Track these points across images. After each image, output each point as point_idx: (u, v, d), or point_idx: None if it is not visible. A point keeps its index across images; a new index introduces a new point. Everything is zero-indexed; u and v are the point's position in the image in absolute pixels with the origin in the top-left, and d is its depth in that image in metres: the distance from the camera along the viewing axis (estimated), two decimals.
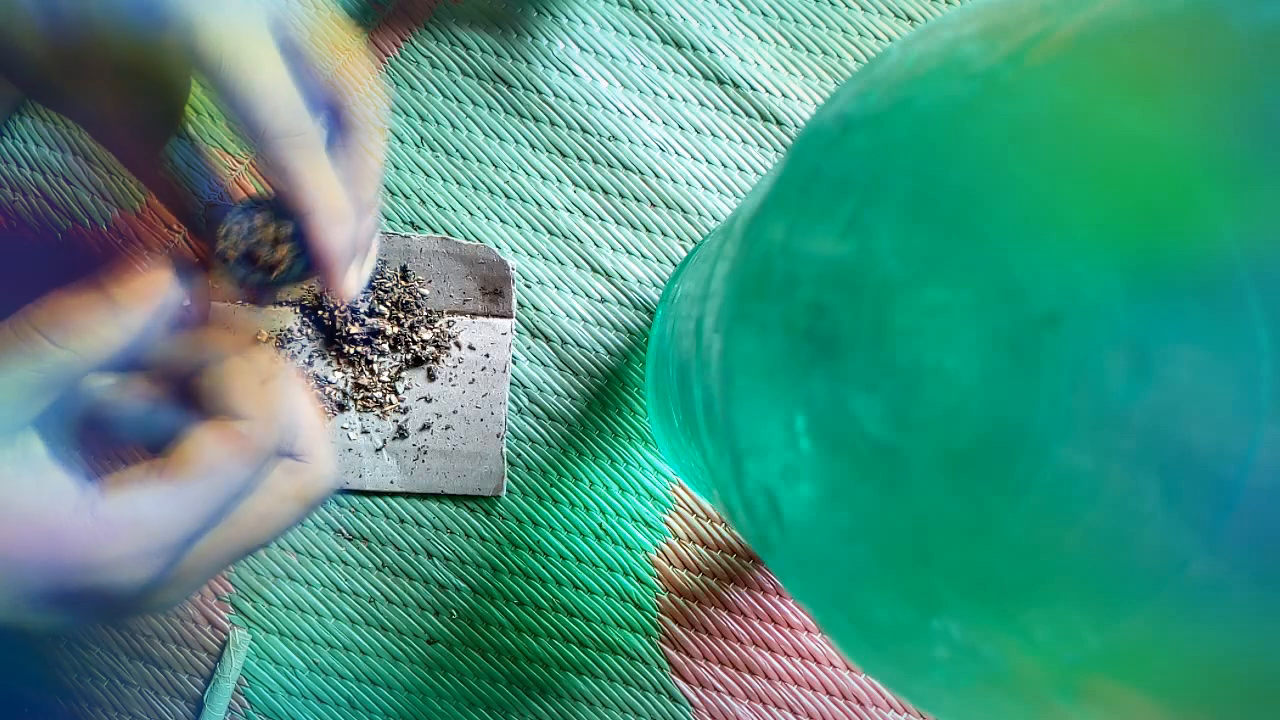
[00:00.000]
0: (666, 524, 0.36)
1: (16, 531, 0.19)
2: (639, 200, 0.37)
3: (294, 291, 0.35)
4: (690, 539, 0.36)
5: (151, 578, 0.21)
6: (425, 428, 0.36)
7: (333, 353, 0.36)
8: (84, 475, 0.21)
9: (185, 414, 0.23)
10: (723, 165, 0.37)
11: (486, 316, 0.36)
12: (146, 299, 0.21)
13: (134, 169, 0.26)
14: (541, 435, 0.36)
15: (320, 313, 0.35)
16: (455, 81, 0.37)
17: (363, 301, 0.35)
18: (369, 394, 0.35)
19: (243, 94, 0.21)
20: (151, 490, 0.20)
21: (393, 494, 0.36)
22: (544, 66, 0.37)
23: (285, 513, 0.23)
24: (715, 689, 0.35)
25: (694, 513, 0.36)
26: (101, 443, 0.23)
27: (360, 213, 0.25)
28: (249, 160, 0.36)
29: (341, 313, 0.35)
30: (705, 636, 0.36)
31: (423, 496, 0.36)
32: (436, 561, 0.36)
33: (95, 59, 0.22)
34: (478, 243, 0.36)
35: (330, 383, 0.35)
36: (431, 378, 0.36)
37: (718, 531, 0.36)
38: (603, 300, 0.37)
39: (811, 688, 0.35)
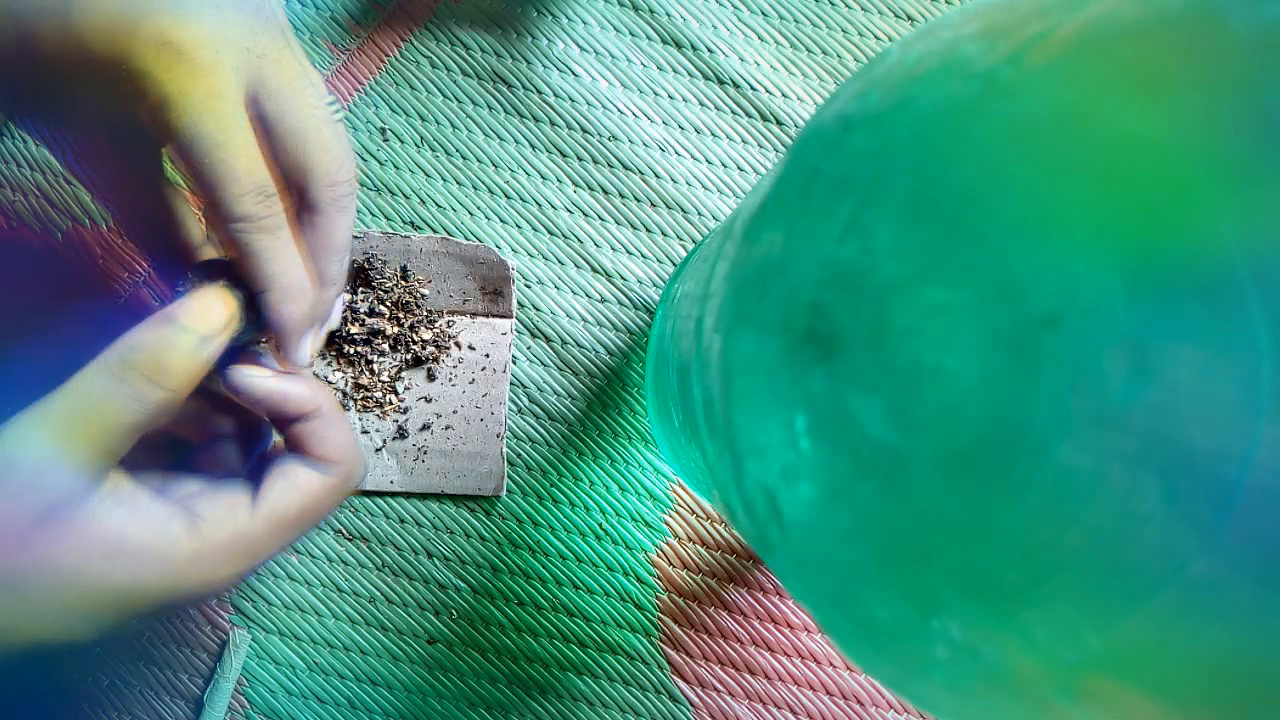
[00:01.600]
0: (666, 524, 0.36)
1: (134, 564, 0.21)
2: (639, 200, 0.37)
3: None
4: (690, 539, 0.36)
5: (227, 584, 0.23)
6: (425, 428, 0.36)
7: (333, 353, 0.36)
8: (174, 499, 0.23)
9: (268, 444, 0.25)
10: (723, 165, 0.37)
11: (486, 316, 0.36)
12: (220, 318, 0.23)
13: (118, 183, 0.25)
14: (541, 435, 0.36)
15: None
16: (455, 81, 0.37)
17: (363, 301, 0.35)
18: (369, 394, 0.35)
19: (209, 177, 0.22)
20: (254, 521, 0.23)
21: (393, 494, 0.36)
22: (544, 66, 0.37)
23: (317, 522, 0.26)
24: (715, 689, 0.35)
25: (694, 513, 0.36)
26: (181, 461, 0.25)
27: (323, 285, 0.25)
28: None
29: (341, 313, 0.35)
30: (705, 636, 0.36)
31: (423, 496, 0.36)
32: (436, 561, 0.36)
33: (68, 66, 0.21)
34: (478, 243, 0.36)
35: (330, 383, 0.35)
36: (431, 378, 0.36)
37: (718, 531, 0.36)
38: (603, 300, 0.37)
39: (811, 688, 0.35)
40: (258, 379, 0.24)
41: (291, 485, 0.24)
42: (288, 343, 0.25)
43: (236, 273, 0.24)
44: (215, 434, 0.26)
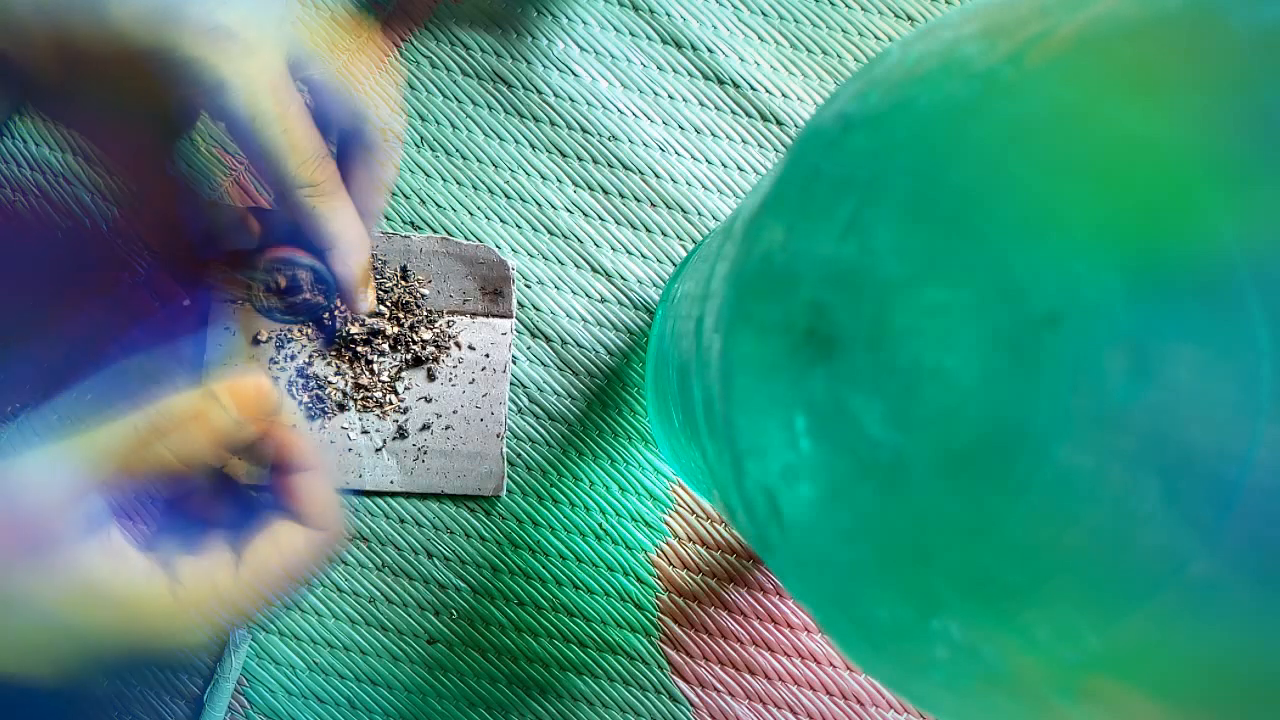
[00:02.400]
0: (666, 524, 0.36)
1: (111, 613, 0.21)
2: (639, 200, 0.37)
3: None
4: (690, 539, 0.36)
5: (207, 638, 0.23)
6: (425, 428, 0.36)
7: (333, 353, 0.36)
8: (157, 556, 0.23)
9: (254, 504, 0.26)
10: (723, 165, 0.37)
11: (486, 316, 0.36)
12: (258, 416, 0.23)
13: (136, 174, 0.26)
14: (541, 435, 0.36)
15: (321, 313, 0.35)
16: (455, 81, 0.37)
17: None
18: (369, 394, 0.35)
19: (271, 151, 0.23)
20: (237, 580, 0.23)
21: (393, 494, 0.36)
22: (544, 66, 0.37)
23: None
24: (715, 689, 0.35)
25: (694, 513, 0.36)
26: (178, 523, 0.25)
27: (367, 219, 0.27)
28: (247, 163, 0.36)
29: (341, 313, 0.35)
30: (705, 636, 0.36)
31: (423, 496, 0.36)
32: (436, 561, 0.36)
33: (103, 62, 0.22)
34: (478, 243, 0.36)
35: (330, 383, 0.35)
36: (431, 378, 0.36)
37: (718, 531, 0.36)
38: (603, 300, 0.37)
39: (811, 688, 0.35)
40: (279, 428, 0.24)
41: (275, 545, 0.24)
42: (353, 295, 0.27)
43: (298, 251, 0.25)
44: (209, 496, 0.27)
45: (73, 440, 0.21)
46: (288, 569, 0.24)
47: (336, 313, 0.35)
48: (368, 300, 0.28)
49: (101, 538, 0.21)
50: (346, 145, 0.26)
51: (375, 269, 0.35)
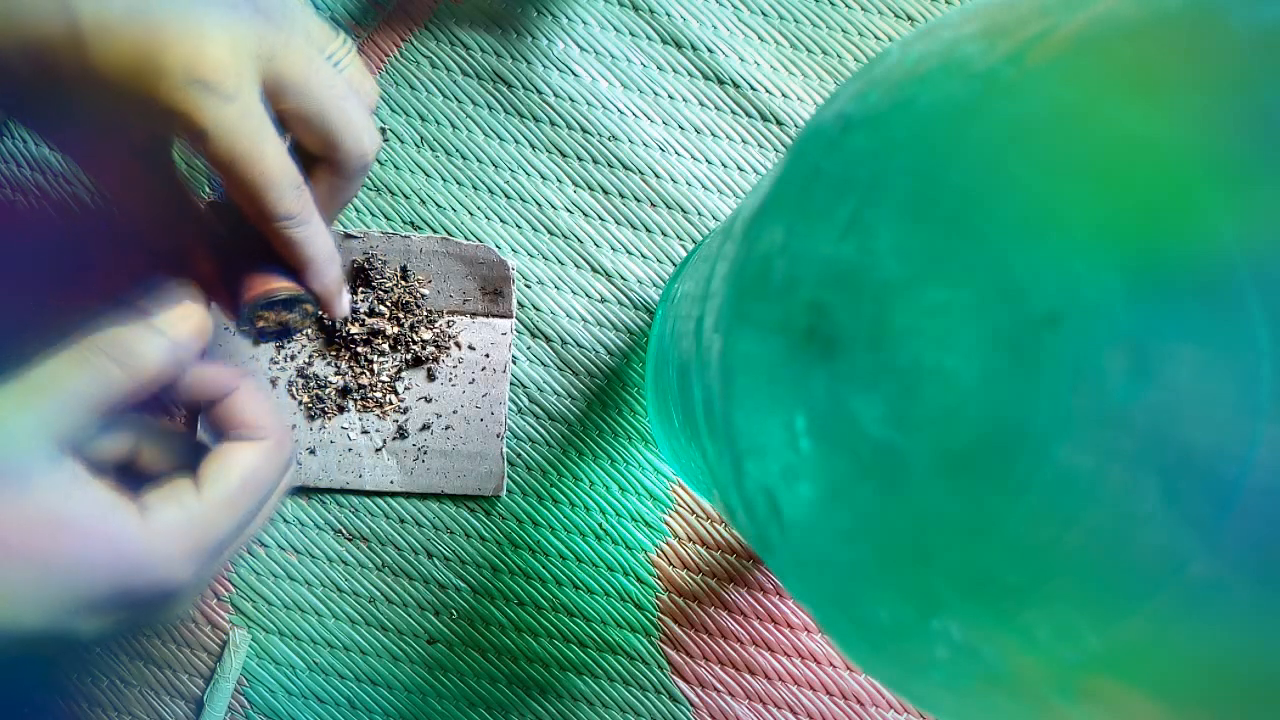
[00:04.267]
0: (666, 524, 0.36)
1: (81, 543, 0.21)
2: (639, 200, 0.37)
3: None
4: (690, 539, 0.36)
5: (193, 578, 0.23)
6: (425, 428, 0.36)
7: (333, 353, 0.36)
8: (124, 491, 0.23)
9: (199, 437, 0.25)
10: (723, 165, 0.37)
11: (486, 316, 0.36)
12: (194, 329, 0.24)
13: (120, 191, 0.26)
14: (541, 435, 0.36)
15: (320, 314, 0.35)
16: (455, 81, 0.37)
17: (363, 301, 0.35)
18: (369, 394, 0.35)
19: (249, 187, 0.23)
20: (201, 501, 0.23)
21: (393, 494, 0.36)
22: (544, 66, 0.37)
23: (274, 504, 0.27)
24: (715, 689, 0.35)
25: (694, 513, 0.36)
26: (133, 468, 0.26)
27: (331, 226, 0.28)
28: None
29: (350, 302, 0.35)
30: (705, 636, 0.36)
31: (423, 496, 0.36)
32: (436, 561, 0.36)
33: (87, 75, 0.22)
34: (477, 243, 0.36)
35: (330, 383, 0.35)
36: (431, 378, 0.36)
37: (718, 531, 0.36)
38: (603, 300, 0.37)
39: (811, 688, 0.35)
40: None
41: (226, 461, 0.24)
42: (331, 303, 0.28)
43: (281, 269, 0.27)
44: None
45: (22, 374, 0.21)
46: (247, 484, 0.24)
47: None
48: (343, 305, 0.29)
49: (63, 468, 0.21)
50: (319, 167, 0.26)
51: (375, 269, 0.35)
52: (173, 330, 0.23)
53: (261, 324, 0.27)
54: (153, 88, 0.21)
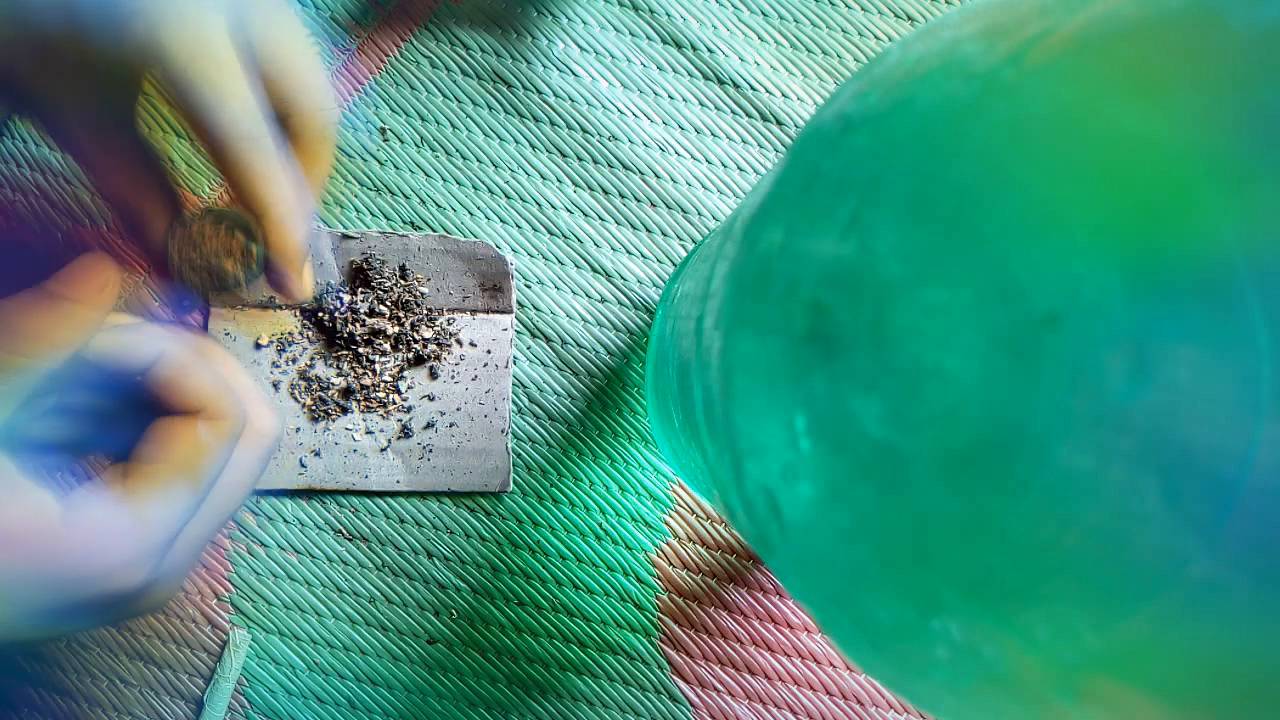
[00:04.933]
0: (666, 524, 0.36)
1: (3, 552, 0.19)
2: (639, 200, 0.37)
3: (257, 294, 0.35)
4: (690, 539, 0.36)
5: (149, 576, 0.21)
6: (429, 426, 0.36)
7: (334, 354, 0.36)
8: (56, 489, 0.21)
9: (137, 417, 0.23)
10: (723, 165, 0.37)
11: (486, 313, 0.36)
12: (95, 298, 0.22)
13: (96, 169, 0.25)
14: (542, 435, 0.36)
15: (320, 315, 0.35)
16: (455, 81, 0.37)
17: (363, 301, 0.35)
18: (371, 394, 0.35)
19: (206, 100, 0.22)
20: (130, 493, 0.21)
21: (399, 494, 0.36)
22: (544, 66, 0.37)
23: (248, 474, 0.24)
24: (715, 689, 0.35)
25: (694, 513, 0.36)
26: (63, 457, 0.23)
27: (307, 209, 0.25)
28: None
29: (342, 314, 0.35)
30: (705, 636, 0.36)
31: (427, 496, 0.36)
32: (436, 561, 0.36)
33: (52, 58, 0.21)
34: (475, 240, 0.36)
35: (332, 384, 0.35)
36: (434, 376, 0.36)
37: (718, 531, 0.36)
38: (603, 300, 0.37)
39: (811, 688, 0.35)
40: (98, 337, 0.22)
41: (156, 444, 0.22)
42: (287, 273, 0.24)
43: (227, 213, 0.24)
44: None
45: None
46: (186, 468, 0.21)
47: (336, 315, 0.35)
48: (301, 286, 0.25)
49: None
50: (292, 124, 0.25)
51: (374, 269, 0.35)
52: (73, 299, 0.21)
53: (192, 266, 0.24)
54: (121, 21, 0.21)
